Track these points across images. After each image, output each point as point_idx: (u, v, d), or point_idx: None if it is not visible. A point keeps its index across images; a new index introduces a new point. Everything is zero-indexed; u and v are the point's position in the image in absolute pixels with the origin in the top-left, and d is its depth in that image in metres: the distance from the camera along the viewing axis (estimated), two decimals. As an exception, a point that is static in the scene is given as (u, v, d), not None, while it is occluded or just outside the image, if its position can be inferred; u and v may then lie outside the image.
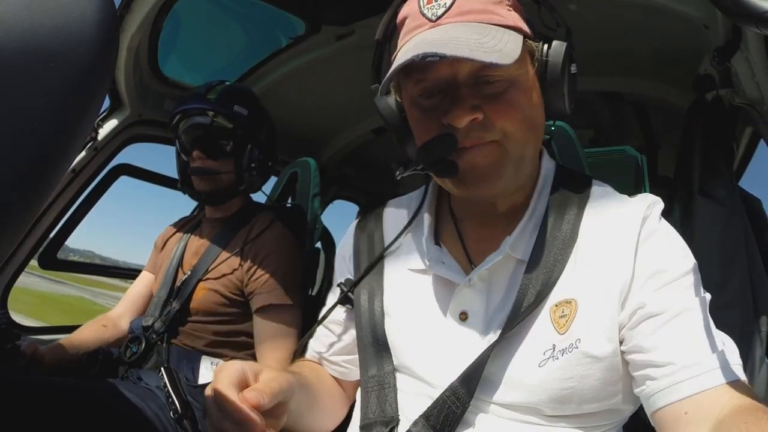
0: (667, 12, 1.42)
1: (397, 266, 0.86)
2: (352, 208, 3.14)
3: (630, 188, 1.30)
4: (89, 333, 1.54)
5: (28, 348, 1.34)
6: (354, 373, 0.91)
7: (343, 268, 0.95)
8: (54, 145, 0.34)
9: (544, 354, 0.69)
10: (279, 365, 1.34)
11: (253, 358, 1.44)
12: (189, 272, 1.49)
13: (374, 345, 0.82)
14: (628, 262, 0.70)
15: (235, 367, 0.65)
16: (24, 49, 0.32)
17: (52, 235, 1.86)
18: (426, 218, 0.85)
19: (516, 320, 0.70)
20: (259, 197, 1.72)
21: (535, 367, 0.69)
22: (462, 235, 0.83)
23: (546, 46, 0.75)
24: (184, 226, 1.70)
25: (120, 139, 1.86)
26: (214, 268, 1.47)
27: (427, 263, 0.80)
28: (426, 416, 0.71)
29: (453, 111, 0.70)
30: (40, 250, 1.86)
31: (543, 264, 0.72)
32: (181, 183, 1.60)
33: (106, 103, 1.81)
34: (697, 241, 1.31)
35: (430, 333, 0.77)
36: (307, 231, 1.70)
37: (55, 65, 0.33)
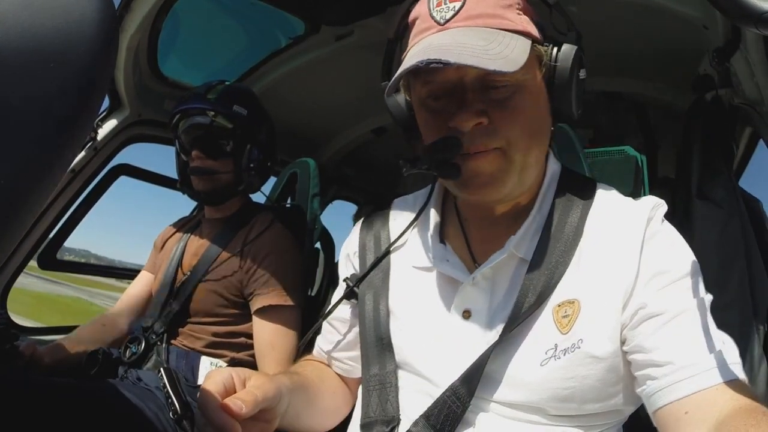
0: (667, 12, 1.42)
1: (403, 263, 0.87)
2: (352, 208, 3.14)
3: (630, 188, 1.31)
4: (88, 333, 1.54)
5: (27, 348, 1.34)
6: (358, 371, 0.91)
7: (348, 265, 0.95)
8: (53, 144, 0.34)
9: (546, 353, 0.69)
10: (278, 366, 1.34)
11: (253, 358, 1.44)
12: (189, 273, 1.49)
13: (377, 344, 0.82)
14: (633, 263, 0.70)
15: (222, 374, 0.67)
16: (23, 49, 0.32)
17: (51, 235, 1.86)
18: (432, 215, 0.85)
19: (518, 319, 0.70)
20: (258, 197, 1.72)
21: (536, 365, 0.69)
22: (466, 234, 0.84)
23: (555, 51, 0.74)
24: (184, 226, 1.70)
25: (119, 139, 1.86)
26: (214, 269, 1.47)
27: (432, 260, 0.81)
28: (426, 416, 0.71)
29: (459, 114, 0.70)
30: (40, 250, 1.86)
31: (546, 264, 0.73)
32: (181, 183, 1.60)
33: (106, 103, 1.81)
34: (696, 242, 1.31)
35: (433, 330, 0.78)
36: (306, 231, 1.70)
37: (54, 65, 0.33)
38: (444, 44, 0.68)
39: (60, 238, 1.90)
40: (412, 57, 0.69)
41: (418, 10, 0.76)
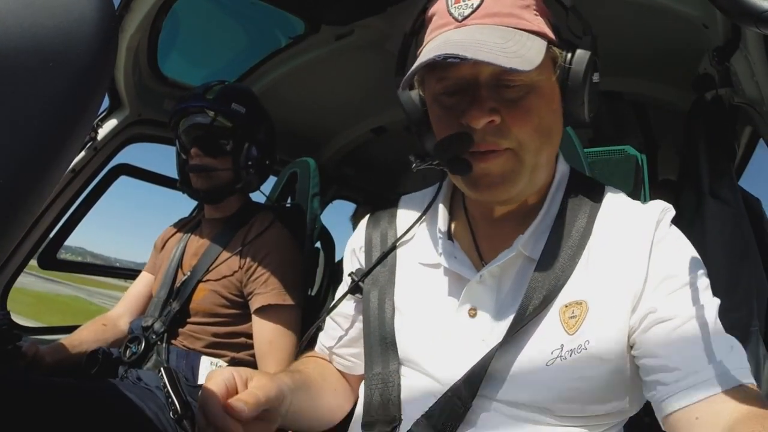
0: (667, 12, 1.42)
1: (409, 259, 0.87)
2: (352, 208, 3.14)
3: (630, 188, 1.30)
4: (89, 333, 1.54)
5: (29, 349, 1.34)
6: (359, 367, 0.90)
7: (353, 260, 0.95)
8: (53, 144, 0.34)
9: (552, 353, 0.69)
10: (278, 365, 1.34)
11: (254, 358, 1.44)
12: (189, 273, 1.49)
13: (381, 342, 0.82)
14: (641, 266, 0.70)
15: (223, 374, 0.67)
16: (23, 49, 0.32)
17: (51, 235, 1.86)
18: (441, 212, 0.85)
19: (525, 318, 0.70)
20: (258, 197, 1.72)
21: (542, 365, 0.69)
22: (474, 232, 0.84)
23: (570, 54, 0.74)
24: (184, 226, 1.70)
25: (119, 139, 1.86)
26: (214, 268, 1.47)
27: (440, 256, 0.81)
28: (428, 416, 0.71)
29: (471, 111, 0.70)
30: (40, 250, 1.86)
31: (554, 264, 0.73)
32: (180, 182, 1.60)
33: (106, 102, 1.81)
34: (709, 242, 1.31)
35: (439, 327, 0.78)
36: (306, 231, 1.70)
37: (54, 65, 0.33)
38: (461, 40, 0.68)
39: (60, 237, 1.90)
40: (428, 52, 0.69)
41: (435, 7, 0.76)
